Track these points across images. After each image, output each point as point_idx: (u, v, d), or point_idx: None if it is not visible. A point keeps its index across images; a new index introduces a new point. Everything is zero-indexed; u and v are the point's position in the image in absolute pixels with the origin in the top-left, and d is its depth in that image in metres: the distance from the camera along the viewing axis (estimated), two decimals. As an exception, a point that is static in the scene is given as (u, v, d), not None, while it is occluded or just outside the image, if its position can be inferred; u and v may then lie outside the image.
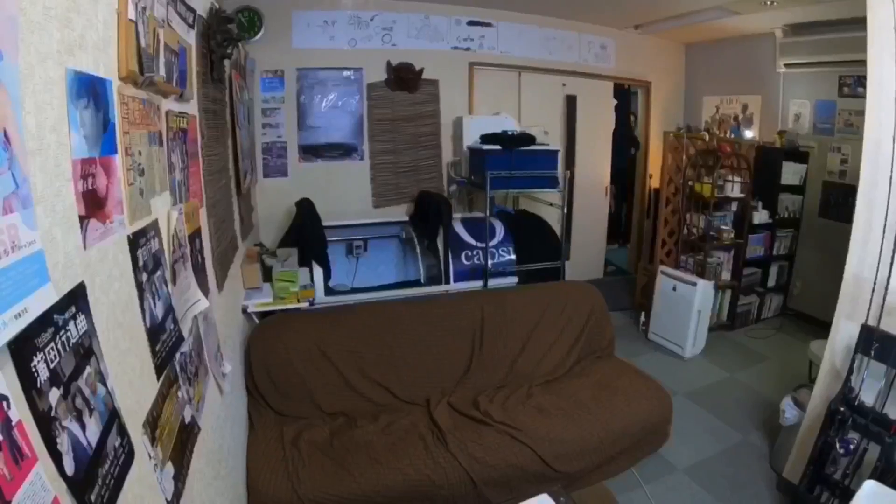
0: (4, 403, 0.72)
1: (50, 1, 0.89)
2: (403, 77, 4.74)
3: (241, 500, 2.12)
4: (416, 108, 4.89)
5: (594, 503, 2.32)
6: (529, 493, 1.97)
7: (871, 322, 2.36)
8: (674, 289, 4.57)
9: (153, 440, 1.23)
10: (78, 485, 0.87)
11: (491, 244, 4.13)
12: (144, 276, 1.27)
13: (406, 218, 4.70)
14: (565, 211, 4.31)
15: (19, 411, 0.75)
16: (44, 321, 0.81)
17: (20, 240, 0.77)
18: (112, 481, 0.99)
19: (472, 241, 4.21)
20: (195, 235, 1.86)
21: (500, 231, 4.34)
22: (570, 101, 5.68)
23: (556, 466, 2.56)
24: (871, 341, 2.31)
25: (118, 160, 1.16)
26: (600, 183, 6.06)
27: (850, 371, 2.41)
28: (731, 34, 5.56)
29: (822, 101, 5.05)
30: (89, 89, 1.03)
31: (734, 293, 5.07)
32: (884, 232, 2.33)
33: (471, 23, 5.04)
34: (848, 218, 2.60)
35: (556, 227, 4.57)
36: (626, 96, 6.26)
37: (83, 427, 0.91)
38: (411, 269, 4.43)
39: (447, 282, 4.08)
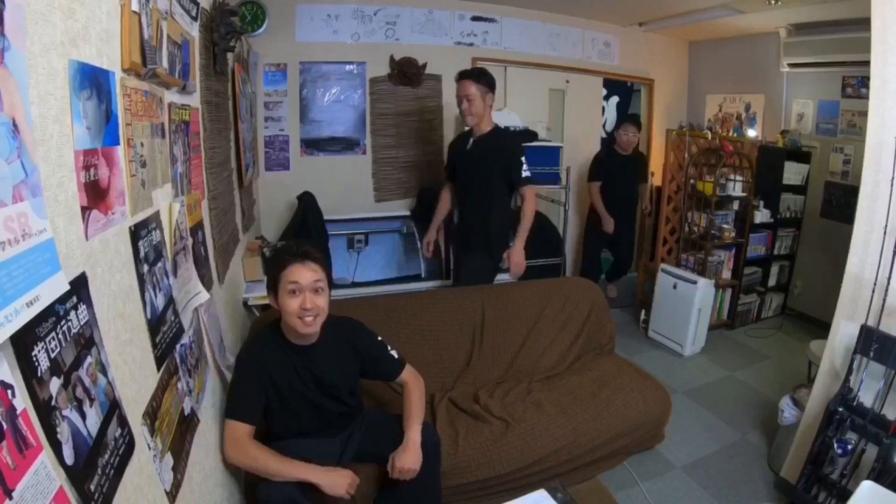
0: (9, 392, 0.73)
1: (54, -9, 0.90)
2: (406, 71, 4.74)
3: (239, 492, 2.13)
4: (419, 103, 4.89)
5: (591, 499, 2.33)
6: (527, 488, 1.98)
7: (871, 323, 2.36)
8: (674, 287, 4.57)
9: (153, 431, 1.24)
10: (77, 474, 0.87)
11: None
12: (146, 268, 1.28)
13: (407, 212, 4.71)
14: (566, 207, 4.32)
15: (22, 400, 0.76)
16: (45, 310, 0.82)
17: (31, 228, 0.77)
18: (112, 471, 1.00)
19: (474, 237, 4.21)
20: (197, 228, 1.87)
21: (501, 227, 4.34)
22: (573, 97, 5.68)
23: (553, 461, 2.56)
24: (870, 342, 2.31)
25: (120, 151, 1.16)
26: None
27: (849, 372, 2.41)
28: (735, 33, 5.55)
29: (826, 102, 5.03)
30: (92, 80, 1.03)
31: (734, 292, 5.06)
32: (885, 233, 2.33)
33: (474, 18, 5.03)
34: (849, 218, 2.60)
35: (558, 224, 4.58)
36: (628, 94, 6.25)
37: (83, 417, 0.92)
38: (412, 263, 4.44)
39: (447, 277, 4.08)
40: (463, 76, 3.30)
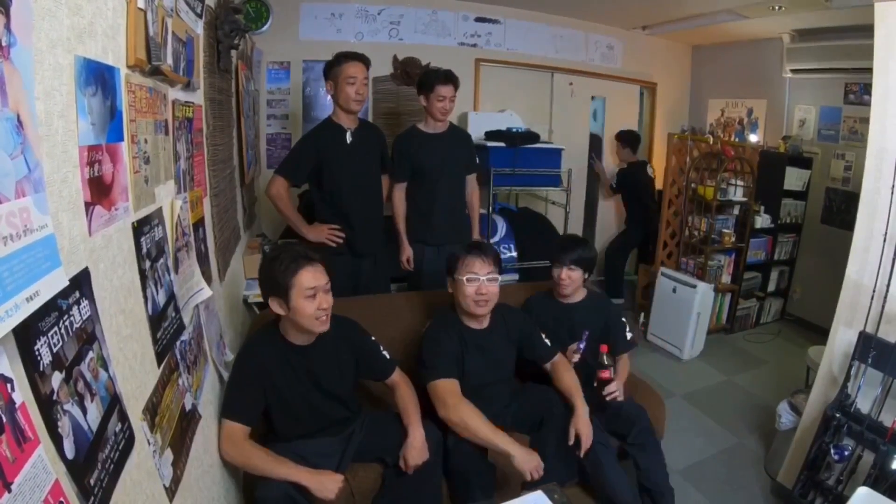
0: (9, 386, 0.73)
1: (61, -12, 0.90)
2: (409, 72, 4.74)
3: (237, 488, 2.13)
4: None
5: (587, 502, 2.33)
6: (520, 491, 1.98)
7: (870, 329, 2.37)
8: (674, 290, 4.58)
9: (152, 426, 1.24)
10: (78, 468, 0.88)
11: (492, 241, 4.13)
12: (148, 264, 1.28)
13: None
14: (567, 209, 4.32)
15: (22, 394, 0.76)
16: (47, 305, 0.82)
17: (32, 223, 0.77)
18: (112, 466, 1.00)
19: (474, 238, 4.20)
20: (198, 224, 1.87)
21: (501, 228, 4.34)
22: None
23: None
24: (868, 349, 2.32)
25: (124, 148, 1.17)
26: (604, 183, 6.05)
27: (847, 378, 2.41)
28: (738, 37, 5.55)
29: (828, 108, 5.04)
30: (97, 77, 1.03)
31: (734, 297, 5.06)
32: (884, 240, 2.33)
33: (478, 19, 5.03)
34: (850, 225, 2.60)
35: (559, 226, 4.57)
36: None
37: (84, 411, 0.92)
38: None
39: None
40: (453, 80, 3.28)
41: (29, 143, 0.77)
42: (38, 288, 0.78)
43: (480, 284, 2.30)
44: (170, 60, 1.49)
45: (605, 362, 2.46)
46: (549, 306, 2.78)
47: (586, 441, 2.23)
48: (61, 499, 0.82)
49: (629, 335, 2.74)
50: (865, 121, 2.70)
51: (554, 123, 5.57)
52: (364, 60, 2.98)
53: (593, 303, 2.80)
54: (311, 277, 1.96)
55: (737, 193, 4.84)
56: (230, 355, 2.19)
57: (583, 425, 2.25)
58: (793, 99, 5.36)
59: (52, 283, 0.82)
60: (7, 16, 0.72)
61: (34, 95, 0.80)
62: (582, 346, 2.58)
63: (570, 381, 2.42)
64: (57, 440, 0.83)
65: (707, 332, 4.65)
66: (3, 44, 0.72)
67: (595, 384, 2.46)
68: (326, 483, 1.89)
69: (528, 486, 2.04)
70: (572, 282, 2.67)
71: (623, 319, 2.75)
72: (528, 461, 2.08)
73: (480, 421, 2.15)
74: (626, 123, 5.94)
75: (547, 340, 2.54)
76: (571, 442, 2.23)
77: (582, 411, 2.29)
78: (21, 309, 0.74)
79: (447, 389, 2.23)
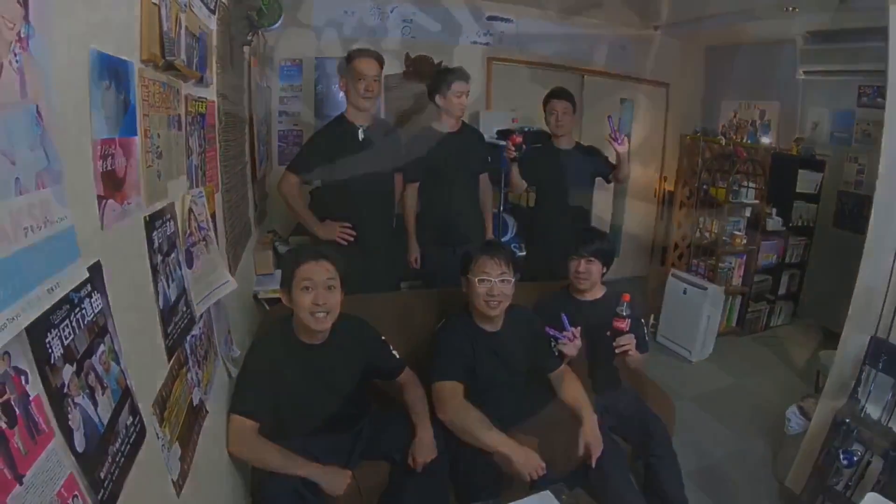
0: (23, 378, 0.74)
1: (77, -18, 0.90)
2: (421, 70, 4.73)
3: (245, 484, 2.14)
4: (433, 102, 4.88)
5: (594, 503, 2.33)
6: (529, 490, 1.98)
7: (881, 334, 2.35)
8: (684, 292, 4.55)
9: (161, 421, 1.25)
10: (88, 461, 0.88)
11: (502, 240, 4.12)
12: (159, 258, 1.29)
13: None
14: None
15: (35, 386, 0.76)
16: (59, 298, 0.82)
17: (52, 215, 0.78)
18: (122, 459, 1.01)
19: (484, 236, 4.19)
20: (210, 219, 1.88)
21: (511, 227, 4.34)
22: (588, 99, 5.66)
23: (555, 464, 2.56)
24: (879, 354, 2.30)
25: (137, 142, 1.17)
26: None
27: (858, 383, 2.40)
28: (752, 39, 5.51)
29: (841, 111, 5.00)
30: (111, 71, 1.04)
31: (744, 299, 5.04)
32: (898, 244, 2.32)
33: (491, 18, 5.03)
34: (862, 229, 2.58)
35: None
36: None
37: (95, 404, 0.93)
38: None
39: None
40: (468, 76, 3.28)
41: (48, 135, 0.78)
42: (58, 280, 0.79)
43: (492, 286, 2.27)
44: (183, 55, 1.49)
45: (624, 312, 2.35)
46: (563, 304, 2.68)
47: (596, 452, 2.21)
48: (76, 492, 0.83)
49: (646, 339, 2.67)
50: (879, 124, 2.67)
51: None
52: (377, 57, 2.96)
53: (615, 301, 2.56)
54: (310, 270, 1.96)
55: (748, 195, 4.81)
56: (237, 351, 2.19)
57: (592, 438, 2.23)
58: (806, 101, 5.32)
59: (72, 275, 0.83)
60: (26, 7, 0.72)
61: (52, 87, 0.81)
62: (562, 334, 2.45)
63: (576, 392, 2.40)
64: (67, 433, 0.84)
65: (717, 335, 4.62)
66: (23, 35, 0.72)
67: (608, 333, 2.39)
68: (335, 478, 1.90)
69: (537, 485, 2.04)
70: (590, 275, 2.60)
71: (642, 321, 2.67)
72: (527, 462, 2.07)
73: (479, 424, 2.14)
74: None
75: (555, 350, 2.49)
76: (581, 454, 2.22)
77: (591, 423, 2.26)
78: (43, 300, 0.74)
79: (449, 392, 2.22)
